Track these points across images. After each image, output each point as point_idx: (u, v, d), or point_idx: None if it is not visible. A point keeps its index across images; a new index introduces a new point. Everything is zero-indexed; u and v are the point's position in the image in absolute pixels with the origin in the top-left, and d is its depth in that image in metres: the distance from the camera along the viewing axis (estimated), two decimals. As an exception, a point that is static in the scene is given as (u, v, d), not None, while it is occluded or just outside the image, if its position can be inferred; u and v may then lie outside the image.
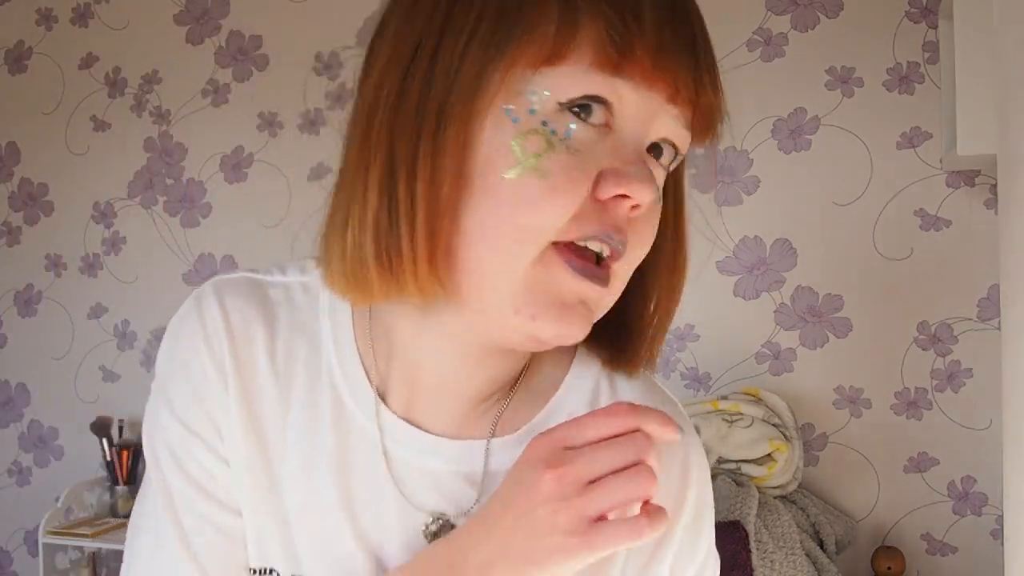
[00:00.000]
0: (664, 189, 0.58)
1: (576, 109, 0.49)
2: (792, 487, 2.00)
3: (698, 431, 1.94)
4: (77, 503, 2.46)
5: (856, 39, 2.12)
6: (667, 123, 0.52)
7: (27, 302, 2.73)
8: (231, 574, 0.58)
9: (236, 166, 2.53)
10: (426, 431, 0.58)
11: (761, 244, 2.18)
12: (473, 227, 0.49)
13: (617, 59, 0.48)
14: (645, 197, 0.50)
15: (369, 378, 0.58)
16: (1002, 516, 1.70)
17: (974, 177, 2.07)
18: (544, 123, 0.48)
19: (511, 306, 0.50)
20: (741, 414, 1.97)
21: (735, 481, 1.92)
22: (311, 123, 2.46)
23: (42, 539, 2.36)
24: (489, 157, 0.48)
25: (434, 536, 0.56)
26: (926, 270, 2.10)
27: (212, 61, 2.55)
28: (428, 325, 0.55)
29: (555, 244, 0.50)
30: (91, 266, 2.67)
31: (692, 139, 0.55)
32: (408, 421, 0.58)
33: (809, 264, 2.16)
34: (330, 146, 2.33)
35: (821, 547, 1.96)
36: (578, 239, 0.50)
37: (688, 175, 2.06)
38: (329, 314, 0.60)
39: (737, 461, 1.95)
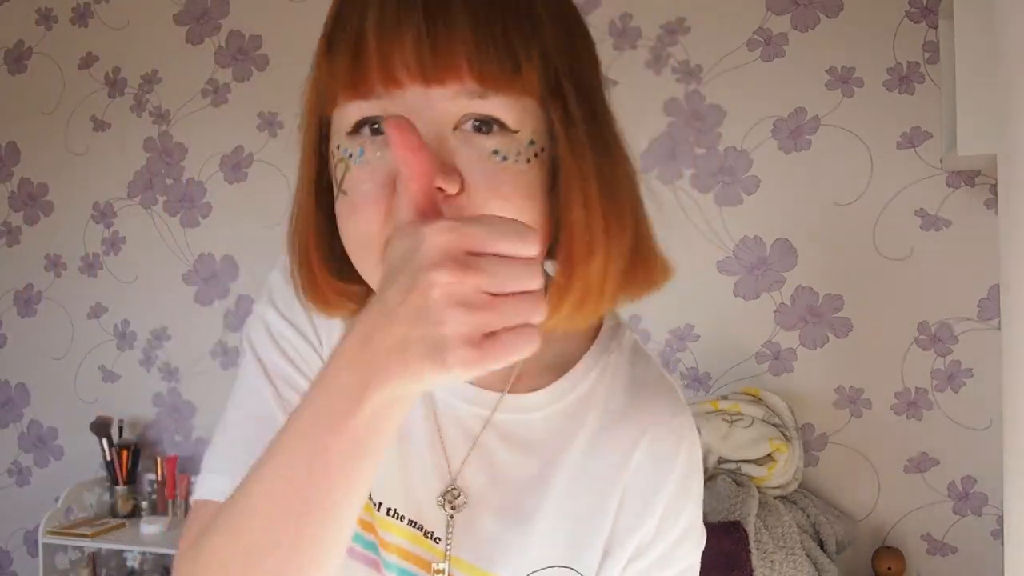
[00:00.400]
0: (571, 137, 0.58)
1: (354, 133, 0.57)
2: (792, 487, 2.00)
3: (698, 431, 1.94)
4: (77, 503, 2.46)
5: (856, 39, 2.12)
6: (447, 105, 0.55)
7: (27, 302, 2.73)
8: None
9: (236, 166, 2.53)
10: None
11: (761, 244, 2.18)
12: (343, 239, 0.59)
13: (356, 90, 0.55)
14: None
15: None
16: (1002, 516, 1.70)
17: (974, 177, 2.07)
18: (345, 152, 0.57)
19: None
20: (741, 414, 1.97)
21: (735, 481, 1.92)
22: (311, 123, 2.46)
23: (42, 539, 2.36)
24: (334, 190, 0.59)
25: (447, 496, 0.68)
26: (926, 270, 2.10)
27: (212, 61, 2.55)
28: None
29: None
30: (91, 266, 2.67)
31: (489, 88, 0.55)
32: None
33: (809, 264, 2.16)
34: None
35: (821, 547, 1.96)
36: None
37: (688, 175, 2.07)
38: None
39: (737, 461, 1.95)
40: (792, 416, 2.03)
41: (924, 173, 2.09)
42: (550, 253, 0.61)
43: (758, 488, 1.93)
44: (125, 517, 2.45)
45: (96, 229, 2.66)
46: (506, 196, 0.55)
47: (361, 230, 0.56)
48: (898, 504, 2.12)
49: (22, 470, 2.74)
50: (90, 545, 2.36)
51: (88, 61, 2.66)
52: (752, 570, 1.72)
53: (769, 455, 1.93)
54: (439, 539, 0.67)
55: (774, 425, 1.98)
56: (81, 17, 2.67)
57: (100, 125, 2.65)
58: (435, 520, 0.68)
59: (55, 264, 2.70)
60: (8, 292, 2.74)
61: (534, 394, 0.68)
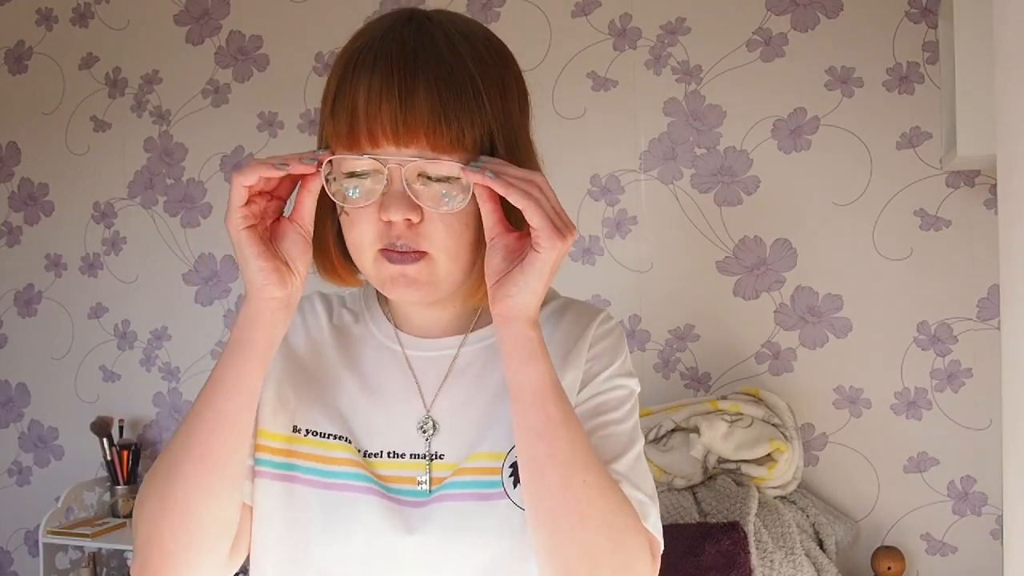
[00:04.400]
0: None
1: (350, 175, 0.82)
2: (792, 487, 2.00)
3: (698, 431, 1.94)
4: (77, 503, 2.46)
5: (856, 39, 2.12)
6: (411, 161, 0.79)
7: (27, 302, 2.73)
8: None
9: (236, 166, 2.53)
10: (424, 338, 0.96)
11: (761, 244, 2.18)
12: (348, 243, 0.85)
13: (351, 145, 0.80)
14: (393, 215, 0.79)
15: (388, 318, 0.96)
16: (1002, 516, 1.70)
17: (974, 177, 2.07)
18: (346, 188, 0.81)
19: (378, 287, 0.85)
20: (741, 414, 1.97)
21: (735, 481, 1.93)
22: (311, 123, 2.46)
23: (42, 539, 2.36)
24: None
25: (423, 426, 0.91)
26: (926, 270, 2.10)
27: (212, 61, 2.56)
28: None
29: (382, 249, 0.82)
30: (91, 266, 2.67)
31: (439, 151, 0.80)
32: (412, 335, 0.96)
33: (809, 264, 2.16)
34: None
35: (821, 547, 1.96)
36: (387, 245, 0.82)
37: (688, 175, 2.07)
38: (363, 295, 1.00)
39: (737, 461, 1.95)
40: (792, 416, 2.03)
41: (924, 173, 2.09)
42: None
43: (758, 488, 1.93)
44: (125, 517, 2.45)
45: (96, 229, 2.66)
46: (450, 224, 0.82)
47: (358, 239, 0.83)
48: (898, 504, 2.12)
49: (22, 470, 2.74)
50: (90, 545, 2.36)
51: (88, 61, 2.66)
52: (752, 570, 1.72)
53: (769, 455, 1.94)
54: (422, 456, 0.89)
55: (774, 425, 1.98)
56: (81, 17, 2.67)
57: (100, 125, 2.65)
58: (417, 445, 0.90)
59: (55, 264, 2.70)
60: (8, 292, 2.74)
61: (489, 326, 0.93)
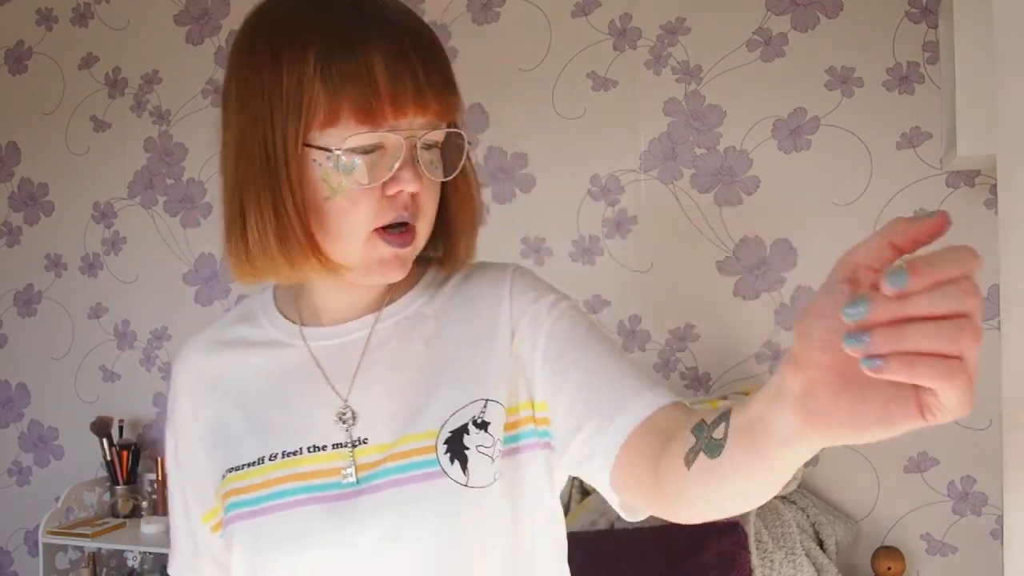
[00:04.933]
0: (452, 158, 0.84)
1: (354, 156, 0.77)
2: (792, 487, 2.00)
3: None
4: (77, 503, 2.46)
5: (856, 39, 2.12)
6: (419, 130, 0.79)
7: (27, 302, 2.73)
8: None
9: (236, 166, 2.52)
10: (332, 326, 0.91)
11: (761, 244, 2.18)
12: (327, 230, 0.80)
13: (370, 118, 0.76)
14: (412, 187, 0.78)
15: (290, 319, 0.92)
16: (1002, 516, 1.70)
17: (974, 177, 2.07)
18: (350, 164, 0.77)
19: (360, 270, 0.82)
20: (741, 414, 1.97)
21: (735, 481, 1.92)
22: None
23: (42, 539, 2.36)
24: (317, 189, 0.79)
25: (342, 416, 0.86)
26: (926, 270, 2.09)
27: (212, 61, 2.56)
28: (327, 281, 0.88)
29: (376, 229, 0.79)
30: (91, 266, 2.67)
31: (441, 119, 0.80)
32: (324, 326, 0.91)
33: (809, 264, 2.16)
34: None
35: (821, 547, 1.96)
36: (387, 223, 0.79)
37: (688, 175, 2.07)
38: (260, 298, 0.97)
39: (737, 461, 1.94)
40: (792, 416, 2.03)
41: (924, 173, 2.09)
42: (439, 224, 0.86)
43: (758, 488, 1.93)
44: (125, 517, 2.45)
45: (96, 229, 2.66)
46: (434, 194, 0.82)
47: (355, 220, 0.79)
48: (898, 504, 2.12)
49: (22, 470, 2.74)
50: (90, 545, 2.36)
51: (88, 61, 2.66)
52: (752, 570, 1.72)
53: (769, 455, 1.93)
54: (344, 445, 0.86)
55: (774, 425, 1.98)
56: (81, 17, 2.67)
57: (100, 125, 2.65)
58: (338, 435, 0.86)
59: (55, 264, 2.70)
60: (8, 292, 2.74)
61: (403, 297, 0.91)
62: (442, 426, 0.83)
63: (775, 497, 1.95)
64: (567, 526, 1.94)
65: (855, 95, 2.13)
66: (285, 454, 0.86)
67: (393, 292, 0.90)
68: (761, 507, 1.87)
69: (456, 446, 0.83)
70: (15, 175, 2.74)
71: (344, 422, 0.86)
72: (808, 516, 1.99)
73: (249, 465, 0.87)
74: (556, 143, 2.25)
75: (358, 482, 0.84)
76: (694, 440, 0.65)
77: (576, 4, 2.27)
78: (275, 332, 0.92)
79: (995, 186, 2.05)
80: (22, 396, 2.74)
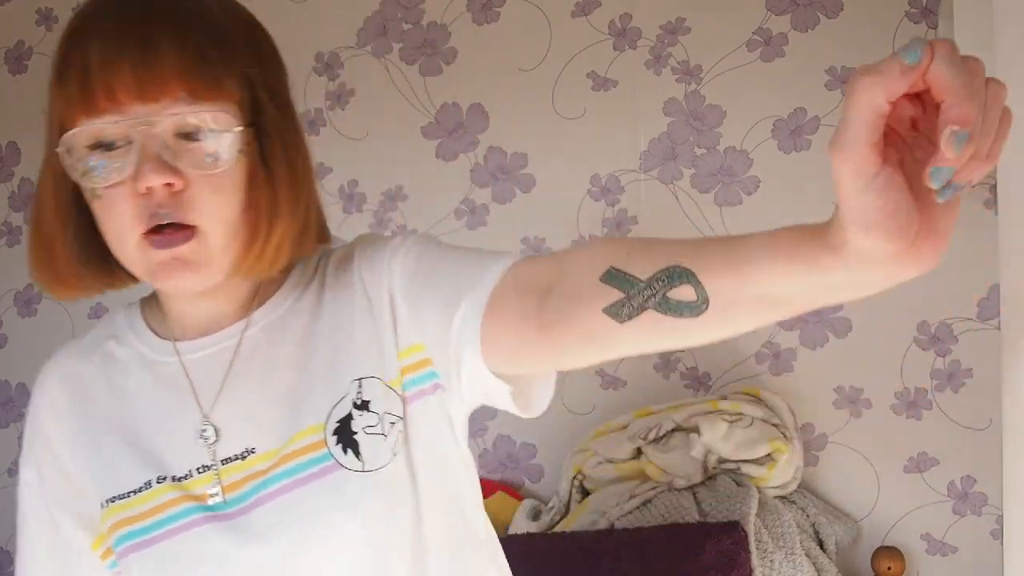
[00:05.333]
0: (264, 135, 0.77)
1: (94, 148, 0.71)
2: (792, 487, 2.00)
3: (698, 431, 1.94)
4: (77, 503, 2.46)
5: (856, 39, 2.12)
6: (165, 118, 0.71)
7: (27, 302, 2.73)
8: None
9: (236, 166, 2.53)
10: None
11: (761, 244, 2.18)
12: (105, 237, 0.77)
13: (89, 109, 0.70)
14: (153, 180, 0.70)
15: (159, 334, 0.87)
16: (1002, 516, 1.70)
17: (974, 177, 2.07)
18: (90, 164, 0.71)
19: (148, 278, 0.77)
20: (741, 414, 1.97)
21: (735, 481, 1.93)
22: (311, 123, 2.46)
23: (42, 539, 2.35)
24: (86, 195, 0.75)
25: (203, 432, 0.82)
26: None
27: (212, 61, 2.55)
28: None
29: (144, 234, 0.73)
30: (91, 266, 2.67)
31: (194, 102, 0.72)
32: (191, 339, 0.86)
33: (809, 264, 2.16)
34: (330, 146, 2.33)
35: (821, 547, 1.96)
36: (148, 224, 0.73)
37: (688, 175, 2.08)
38: (125, 314, 0.91)
39: (737, 461, 1.95)
40: (792, 416, 2.03)
41: (924, 173, 2.09)
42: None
43: (758, 488, 1.93)
44: (125, 517, 2.45)
45: (96, 229, 2.67)
46: (219, 187, 0.73)
47: (117, 222, 0.74)
48: (898, 504, 2.12)
49: (22, 470, 2.74)
50: (90, 545, 2.36)
51: (88, 61, 2.66)
52: (752, 570, 1.72)
53: (769, 455, 1.93)
54: (209, 467, 0.82)
55: (774, 425, 1.98)
56: (81, 17, 2.67)
57: (100, 125, 2.65)
58: (202, 457, 0.82)
59: (55, 264, 2.70)
60: (8, 292, 2.74)
61: (272, 298, 0.86)
62: (327, 417, 0.81)
63: (775, 497, 1.96)
64: (567, 526, 1.94)
65: (855, 95, 2.12)
66: (174, 478, 0.83)
67: (262, 294, 0.86)
68: (761, 507, 1.87)
69: (345, 434, 0.80)
70: (15, 175, 2.74)
71: (206, 438, 0.83)
72: (808, 516, 1.99)
73: (134, 492, 0.83)
74: (556, 143, 2.25)
75: (226, 504, 0.81)
76: (620, 294, 0.65)
77: (576, 4, 2.27)
78: (144, 349, 0.88)
79: (995, 186, 2.05)
80: (22, 396, 2.74)
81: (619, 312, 0.65)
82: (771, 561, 1.78)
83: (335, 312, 0.85)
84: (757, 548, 1.77)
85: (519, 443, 2.26)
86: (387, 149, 2.31)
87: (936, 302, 2.09)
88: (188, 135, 0.72)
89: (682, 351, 2.23)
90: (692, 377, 2.23)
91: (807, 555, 1.85)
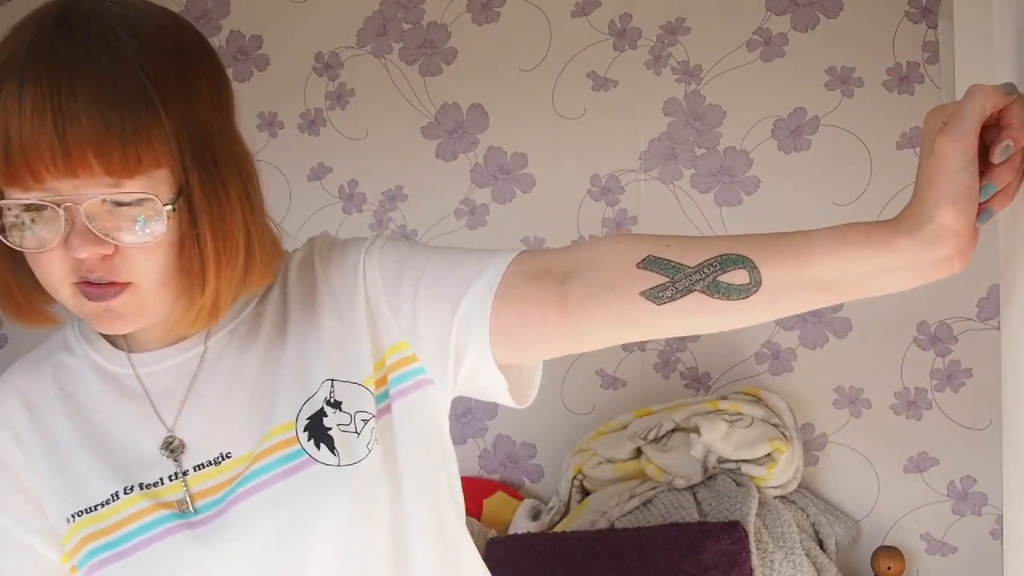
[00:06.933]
0: (192, 199, 0.75)
1: (23, 213, 0.72)
2: (792, 487, 2.00)
3: (698, 431, 1.94)
4: (77, 503, 2.46)
5: (856, 39, 2.12)
6: (91, 189, 0.71)
7: (27, 302, 2.73)
8: None
9: (236, 166, 2.52)
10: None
11: (761, 244, 2.18)
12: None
13: (15, 180, 0.69)
14: (83, 254, 0.71)
15: (114, 344, 0.86)
16: (1002, 516, 1.70)
17: (974, 177, 2.07)
18: (20, 221, 0.71)
19: (86, 320, 0.78)
20: (741, 414, 1.97)
21: (735, 481, 1.93)
22: (311, 123, 2.46)
23: (42, 539, 2.35)
24: None
25: (168, 444, 0.82)
26: (926, 270, 2.09)
27: (212, 61, 2.55)
28: None
29: (76, 283, 0.73)
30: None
31: (120, 177, 0.71)
32: (150, 350, 0.86)
33: (809, 264, 2.16)
34: (330, 146, 2.33)
35: (821, 547, 1.96)
36: (80, 279, 0.73)
37: (688, 175, 2.07)
38: (78, 324, 0.89)
39: (737, 461, 1.95)
40: (792, 416, 2.03)
41: (924, 173, 2.09)
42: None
43: (758, 488, 1.93)
44: (125, 517, 2.45)
45: (96, 229, 2.66)
46: (150, 252, 0.73)
47: (47, 276, 0.74)
48: (898, 504, 2.12)
49: (22, 470, 2.74)
50: (90, 545, 2.35)
51: (88, 61, 2.66)
52: (752, 570, 1.72)
53: (769, 455, 1.94)
54: (177, 475, 0.82)
55: (774, 425, 1.98)
56: (81, 17, 2.67)
57: (100, 125, 2.65)
58: (166, 468, 0.82)
59: (55, 264, 2.70)
60: (8, 292, 2.75)
61: (233, 304, 0.83)
62: (297, 415, 0.81)
63: (775, 497, 1.96)
64: (567, 526, 1.94)
65: (855, 95, 2.13)
66: (143, 486, 0.82)
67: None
68: (761, 507, 1.87)
69: (317, 430, 0.81)
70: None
71: (171, 449, 0.82)
72: (808, 516, 1.99)
73: (102, 504, 0.82)
74: (556, 143, 2.25)
75: (197, 511, 0.81)
76: (662, 279, 0.73)
77: (576, 4, 2.27)
78: (98, 358, 0.87)
79: (995, 186, 2.05)
80: (22, 396, 2.74)
81: (660, 295, 0.73)
82: (771, 561, 1.78)
83: (300, 312, 0.86)
84: (757, 548, 1.77)
85: (519, 443, 2.26)
86: (387, 149, 2.31)
87: (936, 302, 2.09)
88: (118, 203, 0.72)
89: (682, 351, 2.23)
90: (692, 377, 2.23)
91: (807, 555, 1.86)
